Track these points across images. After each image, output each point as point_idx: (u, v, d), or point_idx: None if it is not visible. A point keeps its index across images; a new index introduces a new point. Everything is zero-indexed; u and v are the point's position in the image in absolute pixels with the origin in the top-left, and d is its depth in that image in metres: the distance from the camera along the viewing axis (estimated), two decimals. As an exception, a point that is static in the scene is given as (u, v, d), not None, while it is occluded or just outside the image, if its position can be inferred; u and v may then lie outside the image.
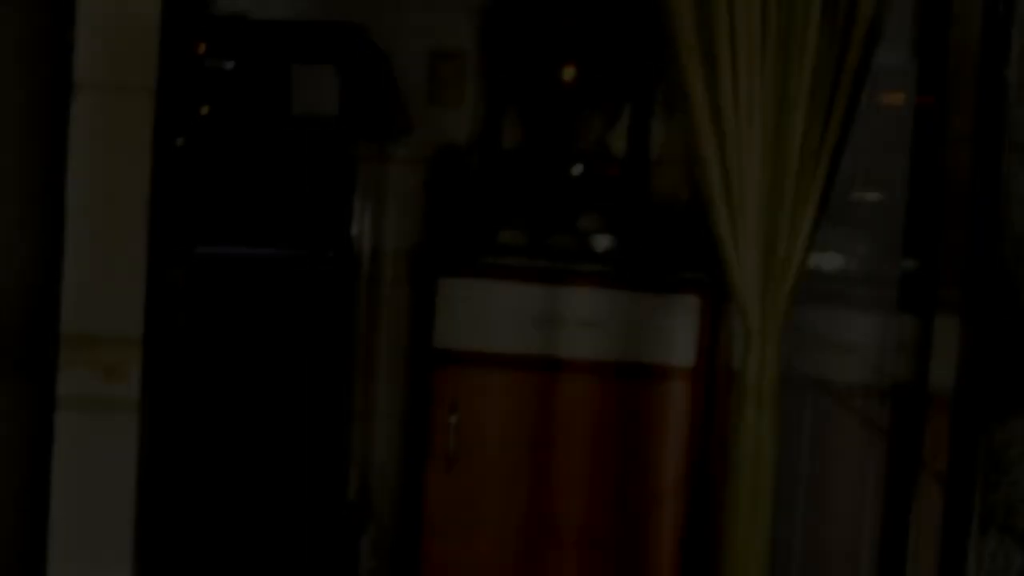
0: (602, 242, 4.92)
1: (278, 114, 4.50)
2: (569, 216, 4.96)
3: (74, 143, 2.84)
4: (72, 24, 2.83)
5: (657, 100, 5.09)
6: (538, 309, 4.76)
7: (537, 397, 4.78)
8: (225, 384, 4.11)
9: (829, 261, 3.36)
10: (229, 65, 4.50)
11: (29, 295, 2.87)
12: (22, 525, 2.91)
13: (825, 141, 2.75)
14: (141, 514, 2.88)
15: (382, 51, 4.94)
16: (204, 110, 4.46)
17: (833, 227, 3.25)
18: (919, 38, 2.74)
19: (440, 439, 4.75)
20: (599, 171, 5.04)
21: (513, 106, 5.11)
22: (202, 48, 4.37)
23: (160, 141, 2.90)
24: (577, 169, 5.04)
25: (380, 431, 5.25)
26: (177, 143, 4.18)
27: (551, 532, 4.78)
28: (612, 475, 4.78)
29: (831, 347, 3.29)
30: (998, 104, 2.27)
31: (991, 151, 2.28)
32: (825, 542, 3.25)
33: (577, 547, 4.78)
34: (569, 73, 5.05)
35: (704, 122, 2.74)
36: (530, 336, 4.76)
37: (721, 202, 2.76)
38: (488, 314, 4.76)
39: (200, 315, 3.92)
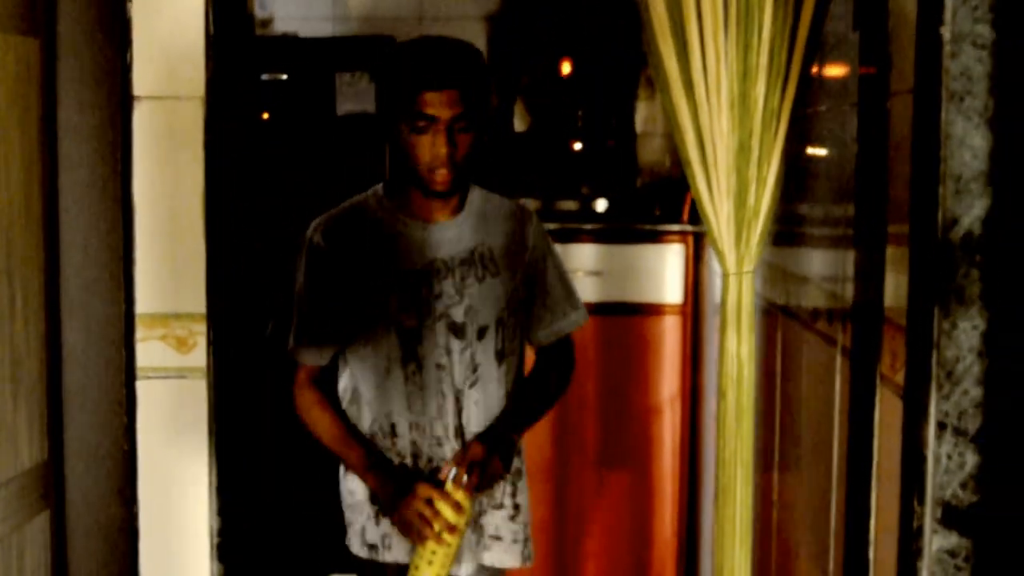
0: (601, 204, 4.78)
1: (326, 115, 4.35)
2: (573, 185, 4.84)
3: (138, 148, 2.63)
4: (129, 47, 2.62)
5: (639, 84, 4.93)
6: (551, 263, 4.58)
7: (556, 334, 4.60)
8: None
9: (790, 209, 3.13)
10: (284, 77, 4.35)
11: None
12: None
13: (783, 105, 2.54)
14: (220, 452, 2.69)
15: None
16: (265, 116, 4.31)
17: (795, 180, 3.04)
18: (859, 10, 2.50)
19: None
20: (595, 146, 4.90)
21: (521, 97, 4.95)
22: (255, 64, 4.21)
23: (215, 144, 2.70)
24: (577, 146, 4.89)
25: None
26: (241, 147, 3.96)
27: (570, 449, 4.62)
28: (618, 395, 4.60)
29: (796, 279, 3.07)
30: (935, 58, 2.03)
31: (930, 100, 2.06)
32: (800, 449, 3.03)
33: (593, 458, 4.60)
34: (566, 67, 4.92)
35: (679, 94, 2.51)
36: (546, 285, 4.59)
37: (697, 162, 2.54)
38: (510, 269, 4.59)
39: (265, 292, 3.72)
